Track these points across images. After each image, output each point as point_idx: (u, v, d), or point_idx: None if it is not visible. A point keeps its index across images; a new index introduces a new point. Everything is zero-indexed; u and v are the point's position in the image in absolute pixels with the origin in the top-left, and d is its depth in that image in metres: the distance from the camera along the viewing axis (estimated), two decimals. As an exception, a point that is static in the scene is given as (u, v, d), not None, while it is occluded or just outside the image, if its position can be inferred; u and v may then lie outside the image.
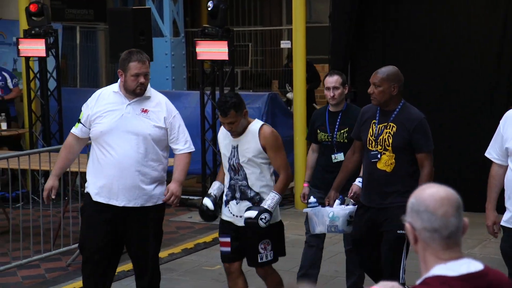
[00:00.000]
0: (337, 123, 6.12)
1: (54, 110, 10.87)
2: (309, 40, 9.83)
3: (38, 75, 10.85)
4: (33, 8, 10.37)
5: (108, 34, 10.98)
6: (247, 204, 5.31)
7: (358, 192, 5.63)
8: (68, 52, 12.84)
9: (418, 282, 2.38)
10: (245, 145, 5.27)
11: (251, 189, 5.31)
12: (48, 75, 10.79)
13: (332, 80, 6.10)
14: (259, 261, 5.40)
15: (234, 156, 5.32)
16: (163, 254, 7.26)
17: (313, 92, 12.47)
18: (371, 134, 5.35)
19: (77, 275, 6.72)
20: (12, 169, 8.10)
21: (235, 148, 5.31)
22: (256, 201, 5.33)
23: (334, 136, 6.11)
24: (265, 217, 5.11)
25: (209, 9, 9.14)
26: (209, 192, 5.58)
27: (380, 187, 5.33)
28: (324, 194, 5.86)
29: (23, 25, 10.74)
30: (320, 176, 6.19)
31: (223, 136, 5.44)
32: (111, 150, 5.33)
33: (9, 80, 11.38)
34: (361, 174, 5.72)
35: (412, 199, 2.42)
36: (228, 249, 5.47)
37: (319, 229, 5.65)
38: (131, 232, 5.44)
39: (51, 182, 5.48)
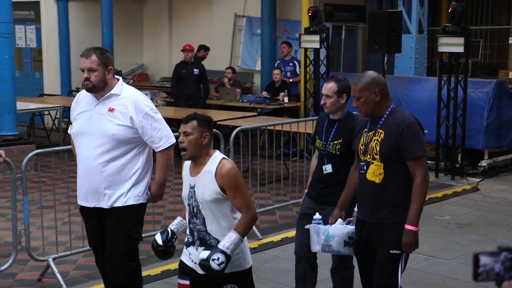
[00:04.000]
0: (332, 133, 4.49)
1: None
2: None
3: (312, 62, 11.16)
4: (311, 11, 10.69)
5: (365, 32, 10.98)
6: (200, 251, 3.58)
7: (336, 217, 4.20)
8: (335, 45, 13.02)
9: None
10: (202, 185, 3.55)
11: (210, 235, 3.56)
12: (320, 62, 11.06)
13: (326, 87, 4.46)
14: None
15: (192, 198, 3.60)
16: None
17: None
18: (362, 143, 3.92)
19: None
20: (291, 131, 8.47)
21: (193, 188, 3.60)
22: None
23: (327, 145, 4.49)
24: (218, 258, 3.38)
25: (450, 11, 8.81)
26: (168, 227, 3.85)
27: (371, 200, 3.88)
28: (314, 205, 4.45)
29: (305, 24, 11.09)
30: (312, 186, 4.58)
31: (185, 169, 3.70)
32: (81, 151, 4.16)
33: (297, 67, 11.81)
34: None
35: None
36: None
37: (316, 248, 4.11)
38: (106, 232, 4.19)
39: None
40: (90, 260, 6.00)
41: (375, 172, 3.83)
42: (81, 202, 4.22)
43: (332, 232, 4.02)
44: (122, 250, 4.13)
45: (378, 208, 3.84)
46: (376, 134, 3.83)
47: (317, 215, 4.20)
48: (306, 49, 11.05)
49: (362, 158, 3.90)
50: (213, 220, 3.56)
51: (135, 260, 4.24)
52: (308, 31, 10.69)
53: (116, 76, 4.17)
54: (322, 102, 4.50)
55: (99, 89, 4.07)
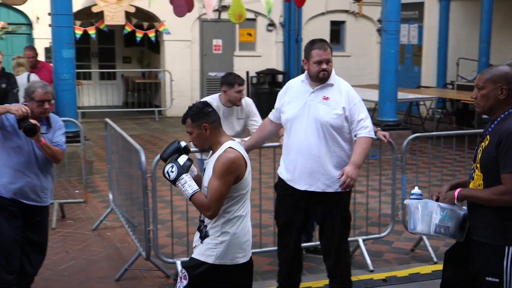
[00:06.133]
0: None
1: None
2: None
3: None
4: None
5: None
6: (197, 237, 3.28)
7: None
8: None
9: None
10: (207, 170, 3.26)
11: (203, 222, 3.26)
12: None
13: None
14: None
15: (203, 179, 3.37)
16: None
17: None
18: (475, 148, 3.23)
19: None
20: None
21: (203, 172, 3.33)
22: (203, 234, 3.24)
23: None
24: (172, 168, 3.16)
25: None
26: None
27: (471, 214, 3.18)
28: None
29: None
30: None
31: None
32: (294, 136, 4.12)
33: None
34: None
35: None
36: None
37: (421, 227, 3.22)
38: (317, 215, 4.24)
39: None
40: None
41: (475, 183, 3.16)
42: (291, 183, 4.18)
43: (451, 212, 3.20)
44: (341, 233, 4.22)
45: (475, 224, 3.16)
46: (484, 141, 3.16)
47: (416, 189, 3.42)
48: None
49: (472, 164, 3.26)
50: None
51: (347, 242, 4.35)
52: None
53: None
54: None
55: (331, 78, 4.13)
